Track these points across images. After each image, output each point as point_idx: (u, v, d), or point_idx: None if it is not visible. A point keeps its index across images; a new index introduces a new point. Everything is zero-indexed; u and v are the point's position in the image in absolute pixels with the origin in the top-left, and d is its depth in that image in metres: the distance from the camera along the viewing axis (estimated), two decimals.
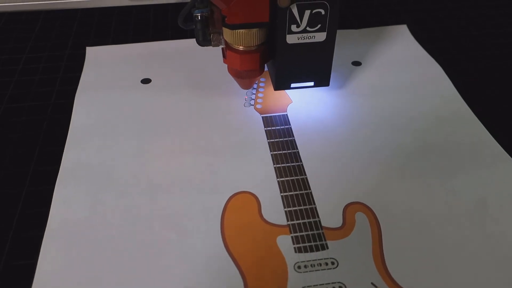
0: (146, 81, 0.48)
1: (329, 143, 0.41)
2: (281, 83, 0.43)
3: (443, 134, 0.42)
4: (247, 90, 0.47)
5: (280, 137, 0.42)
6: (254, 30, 0.39)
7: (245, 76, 0.43)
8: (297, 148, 0.41)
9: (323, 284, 0.31)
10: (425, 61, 0.51)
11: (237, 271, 0.32)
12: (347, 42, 0.53)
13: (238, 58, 0.41)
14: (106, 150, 0.41)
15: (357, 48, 0.52)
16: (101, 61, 0.51)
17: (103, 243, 0.34)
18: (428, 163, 0.40)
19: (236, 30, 0.39)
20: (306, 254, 0.33)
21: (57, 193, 0.37)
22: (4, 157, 0.41)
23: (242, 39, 0.39)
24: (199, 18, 0.40)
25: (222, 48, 0.43)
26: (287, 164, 0.39)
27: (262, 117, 0.44)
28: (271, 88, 0.47)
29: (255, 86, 0.47)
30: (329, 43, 0.40)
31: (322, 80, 0.43)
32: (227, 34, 0.40)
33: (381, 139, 0.42)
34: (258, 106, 0.45)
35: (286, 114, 0.44)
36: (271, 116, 0.44)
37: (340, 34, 0.54)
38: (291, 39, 0.39)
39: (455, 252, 0.33)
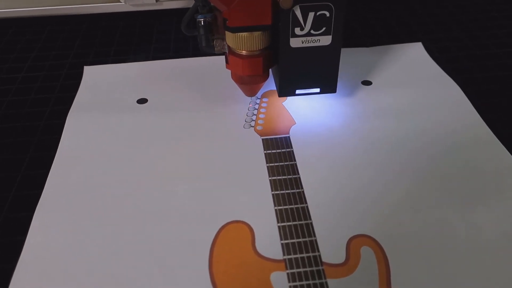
0: (142, 101, 0.46)
1: (334, 169, 0.38)
2: (285, 90, 0.41)
3: (462, 160, 0.38)
4: (247, 110, 0.43)
5: (281, 161, 0.38)
6: (257, 33, 0.37)
7: (248, 82, 0.41)
8: (298, 174, 0.37)
9: None
10: (442, 81, 0.47)
11: None
12: (356, 60, 0.50)
13: (240, 63, 0.39)
14: (93, 174, 0.38)
15: (367, 67, 0.49)
16: (98, 80, 0.49)
17: (78, 277, 0.31)
18: (445, 193, 0.35)
19: (238, 34, 0.38)
20: None
21: (36, 220, 0.34)
22: None
23: (244, 43, 0.38)
24: (202, 23, 0.39)
25: (225, 54, 0.41)
26: (287, 191, 0.36)
27: (262, 139, 0.41)
28: (273, 108, 0.44)
29: (256, 106, 0.44)
30: (335, 47, 0.38)
31: (328, 86, 0.41)
32: (229, 38, 0.38)
33: (392, 165, 0.38)
34: (259, 128, 0.42)
35: (288, 137, 0.41)
36: (271, 138, 0.41)
37: (350, 52, 0.51)
38: (294, 42, 0.37)
39: None
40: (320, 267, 0.30)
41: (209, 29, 0.40)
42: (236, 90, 0.46)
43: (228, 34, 0.39)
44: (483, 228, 0.33)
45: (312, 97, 0.45)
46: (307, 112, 0.43)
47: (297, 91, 0.41)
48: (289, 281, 0.30)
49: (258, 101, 0.45)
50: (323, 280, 0.30)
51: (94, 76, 0.49)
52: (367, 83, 0.47)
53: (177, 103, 0.45)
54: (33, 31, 0.59)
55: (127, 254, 0.32)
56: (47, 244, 0.33)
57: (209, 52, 0.41)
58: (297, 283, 0.30)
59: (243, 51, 0.39)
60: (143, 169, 0.38)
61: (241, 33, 0.38)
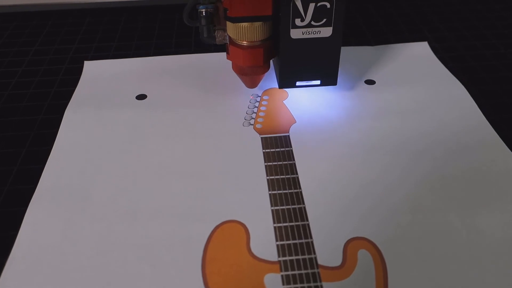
0: (141, 97, 0.45)
1: (334, 170, 0.37)
2: (286, 81, 0.41)
3: (466, 162, 0.37)
4: (247, 108, 0.43)
5: (279, 161, 0.38)
6: (257, 24, 0.38)
7: (248, 73, 0.41)
8: (296, 173, 0.36)
9: None
10: (447, 81, 0.46)
11: None
12: (360, 59, 0.49)
13: (241, 53, 0.39)
14: (88, 170, 0.37)
15: (371, 66, 0.48)
16: (98, 75, 0.48)
17: (69, 274, 0.30)
18: (447, 196, 0.34)
19: (239, 24, 0.38)
20: None
21: (29, 215, 0.34)
22: None
23: (245, 33, 0.38)
24: (204, 14, 0.39)
25: (226, 45, 0.41)
26: (284, 191, 0.35)
27: (261, 137, 0.40)
28: (273, 106, 0.43)
29: (256, 104, 0.43)
30: (336, 39, 0.38)
31: (329, 78, 0.41)
32: (230, 28, 0.39)
33: (394, 166, 0.37)
34: (258, 126, 0.41)
35: (288, 135, 0.40)
36: (271, 137, 0.40)
37: (353, 50, 0.50)
38: (295, 33, 0.37)
39: None
40: (316, 270, 0.30)
41: (210, 20, 0.40)
42: (237, 87, 0.45)
43: (229, 25, 0.39)
44: (485, 232, 0.32)
45: (313, 95, 0.44)
46: (308, 111, 0.42)
47: (298, 83, 0.41)
48: (283, 284, 0.29)
49: (258, 98, 0.44)
50: (318, 283, 0.29)
51: (94, 71, 0.49)
52: (370, 82, 0.46)
53: (176, 100, 0.44)
54: (36, 25, 0.59)
55: (120, 251, 0.31)
56: (39, 240, 0.32)
57: (210, 43, 0.41)
58: (292, 286, 0.29)
59: (244, 42, 0.39)
60: (139, 165, 0.38)
61: (241, 24, 0.38)
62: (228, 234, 0.32)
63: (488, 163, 0.37)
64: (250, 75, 0.42)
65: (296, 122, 0.41)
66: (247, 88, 0.45)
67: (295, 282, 0.29)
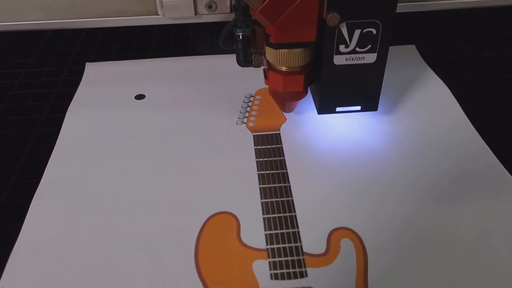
0: (140, 97, 0.47)
1: (321, 165, 0.39)
2: (325, 107, 0.40)
3: (448, 160, 0.39)
4: (240, 107, 0.45)
5: (270, 157, 0.40)
6: (299, 50, 0.36)
7: (287, 98, 0.40)
8: (286, 169, 0.38)
9: None
10: (433, 84, 0.48)
11: None
12: None
13: (280, 79, 0.38)
14: (88, 166, 0.39)
15: None
16: (98, 76, 0.50)
17: (70, 262, 0.32)
18: (428, 190, 0.36)
19: (279, 50, 0.36)
20: (282, 281, 0.30)
21: (33, 207, 0.36)
22: None
23: (285, 59, 0.37)
24: (241, 37, 0.39)
25: (264, 69, 0.41)
26: (274, 185, 0.37)
27: (253, 135, 0.42)
28: (266, 105, 0.45)
29: (249, 103, 0.45)
30: (380, 65, 0.37)
31: (369, 104, 0.40)
32: (270, 54, 0.37)
33: (378, 162, 0.39)
34: (251, 124, 0.43)
35: (279, 133, 0.42)
36: (262, 134, 0.42)
37: None
38: (338, 60, 0.36)
39: None
40: (301, 257, 0.32)
41: (247, 44, 0.39)
42: (231, 88, 0.47)
43: (268, 50, 0.37)
44: (460, 224, 0.34)
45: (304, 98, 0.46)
46: (297, 111, 0.44)
47: (338, 109, 0.40)
48: (270, 269, 0.31)
49: (251, 98, 0.46)
50: (303, 269, 0.31)
51: (95, 72, 0.51)
52: None
53: (173, 99, 0.46)
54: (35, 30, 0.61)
55: (118, 242, 0.33)
56: (42, 230, 0.34)
57: (246, 66, 0.40)
58: (278, 271, 0.31)
59: (283, 67, 0.38)
60: (137, 161, 0.40)
61: (282, 50, 0.36)
62: (220, 224, 0.34)
63: (469, 161, 0.39)
64: (288, 101, 0.41)
65: (287, 121, 0.43)
66: (240, 88, 0.47)
67: (281, 268, 0.31)
